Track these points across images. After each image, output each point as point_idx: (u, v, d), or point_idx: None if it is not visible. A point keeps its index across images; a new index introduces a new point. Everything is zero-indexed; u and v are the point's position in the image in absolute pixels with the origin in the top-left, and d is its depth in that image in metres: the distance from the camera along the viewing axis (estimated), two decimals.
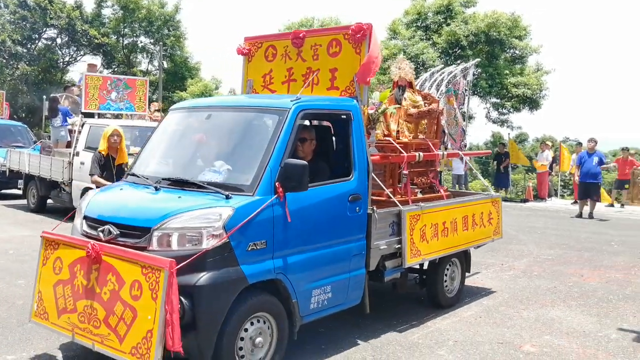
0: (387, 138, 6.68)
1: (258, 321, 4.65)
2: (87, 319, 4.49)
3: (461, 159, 8.09)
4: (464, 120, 7.79)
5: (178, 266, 4.10)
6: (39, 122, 26.61)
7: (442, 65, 8.96)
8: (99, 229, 4.73)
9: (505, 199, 16.67)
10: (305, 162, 4.70)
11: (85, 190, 8.50)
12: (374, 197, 5.87)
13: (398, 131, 6.83)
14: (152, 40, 38.16)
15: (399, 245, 5.96)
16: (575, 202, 17.00)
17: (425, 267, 6.89)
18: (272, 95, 6.14)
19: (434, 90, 7.50)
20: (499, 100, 25.13)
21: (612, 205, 17.89)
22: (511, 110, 25.04)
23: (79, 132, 12.25)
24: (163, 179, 5.05)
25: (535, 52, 25.05)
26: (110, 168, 7.63)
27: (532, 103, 24.25)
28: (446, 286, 6.85)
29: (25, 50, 35.66)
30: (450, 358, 5.34)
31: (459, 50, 24.65)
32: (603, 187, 18.71)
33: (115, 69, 36.86)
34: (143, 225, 4.48)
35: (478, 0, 25.80)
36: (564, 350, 5.62)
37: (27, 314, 5.99)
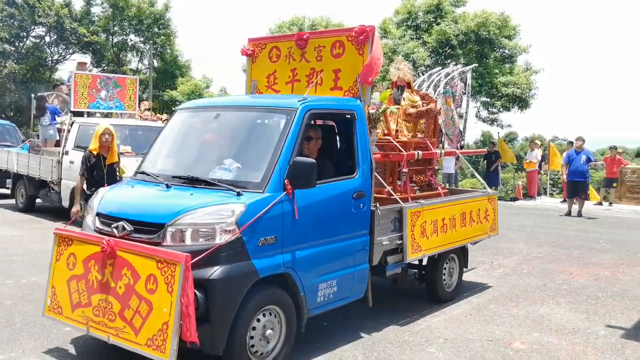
0: (387, 137, 6.85)
1: (268, 314, 4.80)
2: (102, 312, 4.62)
3: (457, 158, 8.29)
4: (463, 121, 7.97)
5: (193, 260, 4.25)
6: (28, 121, 26.50)
7: (440, 67, 9.13)
8: (113, 226, 4.86)
9: None
10: (313, 160, 4.87)
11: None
12: (375, 195, 6.03)
13: (397, 130, 7.00)
14: (142, 39, 37.95)
15: (400, 241, 6.13)
16: (564, 201, 17.17)
17: (425, 262, 7.07)
18: (279, 95, 6.29)
19: (432, 91, 7.67)
20: (488, 99, 25.39)
21: (600, 203, 18.07)
22: (501, 109, 25.31)
23: (68, 131, 12.17)
24: (173, 177, 5.19)
25: (524, 51, 25.35)
26: (101, 167, 7.60)
27: (521, 102, 24.51)
28: (445, 281, 7.05)
29: (13, 49, 35.36)
30: (440, 356, 5.40)
31: (449, 50, 24.90)
32: (592, 186, 18.94)
33: (105, 68, 36.64)
34: (157, 221, 4.62)
35: (468, 0, 26.08)
36: (553, 347, 5.70)
37: (16, 313, 6.13)
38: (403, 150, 6.62)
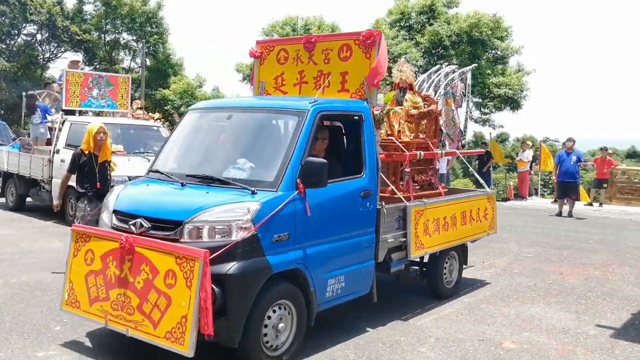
0: (390, 137, 7.03)
1: (280, 308, 4.98)
2: (120, 306, 4.77)
3: (452, 158, 8.51)
4: (464, 121, 8.17)
5: (212, 256, 4.41)
6: (18, 120, 26.44)
7: (439, 67, 9.33)
8: (130, 223, 5.01)
9: None
10: (324, 161, 5.06)
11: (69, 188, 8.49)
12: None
13: (399, 131, 7.19)
14: (134, 37, 38.02)
15: (404, 239, 6.33)
16: (555, 201, 17.21)
17: (426, 260, 7.27)
18: (290, 97, 6.47)
19: (432, 92, 7.87)
20: (481, 100, 25.70)
21: (590, 204, 18.14)
22: (493, 110, 25.62)
23: (60, 130, 12.07)
24: (187, 176, 5.34)
25: (516, 52, 25.71)
26: (92, 165, 7.59)
27: (513, 103, 24.86)
28: (446, 278, 7.25)
29: (4, 46, 35.27)
30: (432, 355, 5.42)
31: (442, 50, 25.21)
32: (582, 186, 19.04)
33: (97, 66, 36.58)
34: (175, 218, 4.78)
35: (460, 1, 26.36)
36: (543, 346, 5.74)
37: (6, 313, 6.12)
38: (406, 151, 6.80)
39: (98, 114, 13.36)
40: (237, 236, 4.62)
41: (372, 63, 6.02)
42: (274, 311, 4.92)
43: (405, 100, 7.32)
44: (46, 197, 12.41)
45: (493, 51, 25.54)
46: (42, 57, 37.85)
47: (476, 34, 24.21)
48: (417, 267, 7.38)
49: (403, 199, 6.44)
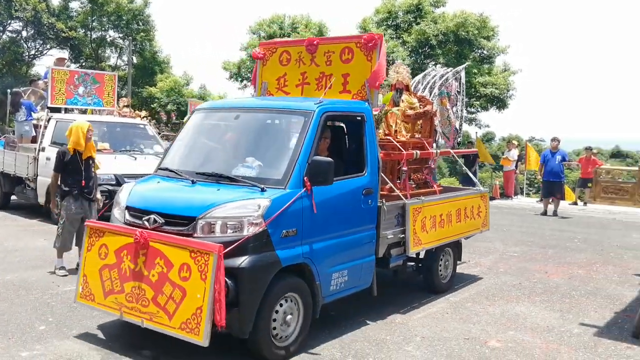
0: (387, 137, 7.25)
1: (288, 301, 5.19)
2: (135, 299, 4.96)
3: (453, 156, 8.77)
4: (460, 119, 8.43)
5: (225, 250, 4.61)
6: (3, 117, 26.31)
7: (433, 68, 9.58)
8: (144, 218, 5.20)
9: None
10: (331, 160, 5.27)
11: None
12: None
13: (396, 131, 7.42)
14: (121, 35, 37.97)
15: (403, 235, 6.59)
16: (541, 200, 17.32)
17: (422, 256, 7.52)
18: (296, 97, 6.66)
19: (427, 92, 8.10)
20: (467, 99, 26.02)
21: (575, 203, 18.34)
22: (479, 109, 25.95)
23: (45, 127, 11.95)
24: (197, 173, 5.54)
25: (502, 52, 26.03)
26: (77, 163, 7.63)
27: (499, 102, 25.17)
28: (441, 273, 7.52)
29: None
30: (417, 354, 5.44)
31: (429, 50, 25.50)
32: (567, 185, 19.22)
33: (83, 64, 36.49)
34: (188, 214, 4.98)
35: (447, 0, 26.67)
36: (528, 345, 5.79)
37: None
38: (403, 150, 7.04)
39: (84, 111, 13.18)
40: (248, 231, 4.83)
41: (373, 65, 6.24)
42: (282, 304, 5.13)
43: (402, 101, 7.55)
44: (31, 195, 12.23)
45: (479, 51, 25.88)
46: (27, 54, 37.69)
47: (463, 33, 24.52)
48: (413, 263, 7.62)
49: (402, 197, 6.68)
